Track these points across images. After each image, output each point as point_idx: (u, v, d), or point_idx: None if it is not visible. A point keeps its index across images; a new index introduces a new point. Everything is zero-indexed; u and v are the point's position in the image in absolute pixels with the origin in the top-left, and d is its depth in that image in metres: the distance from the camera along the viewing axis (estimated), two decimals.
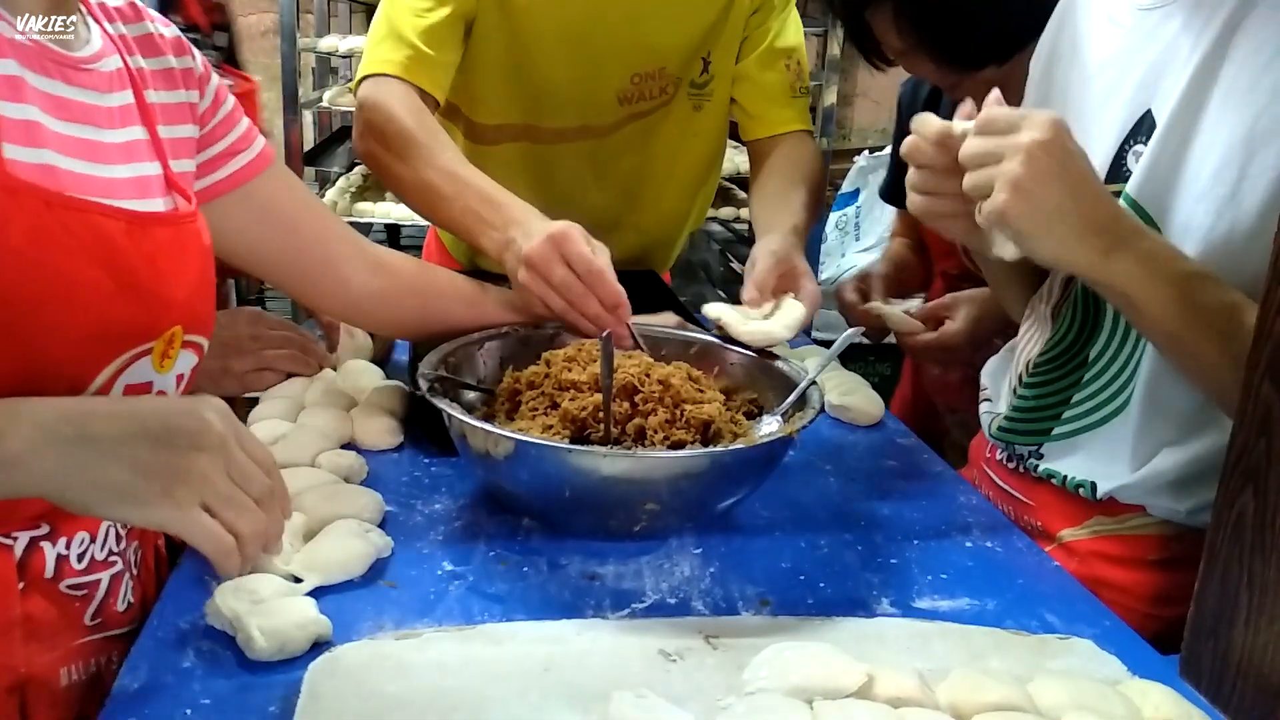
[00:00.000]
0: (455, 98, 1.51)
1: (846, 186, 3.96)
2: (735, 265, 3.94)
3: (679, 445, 0.98)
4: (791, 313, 1.21)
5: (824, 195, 1.56)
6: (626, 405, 1.01)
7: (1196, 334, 0.90)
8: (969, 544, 1.05)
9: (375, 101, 1.32)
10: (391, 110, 1.30)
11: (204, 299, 0.88)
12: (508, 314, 1.20)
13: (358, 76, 1.38)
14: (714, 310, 1.20)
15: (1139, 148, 0.99)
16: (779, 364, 1.16)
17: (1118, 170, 1.02)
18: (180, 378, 0.86)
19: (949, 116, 0.92)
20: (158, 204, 0.85)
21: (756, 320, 1.20)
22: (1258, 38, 0.92)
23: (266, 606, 0.79)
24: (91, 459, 0.66)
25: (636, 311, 1.16)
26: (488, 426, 0.96)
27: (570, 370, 1.06)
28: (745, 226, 3.83)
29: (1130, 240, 0.89)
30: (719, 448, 0.98)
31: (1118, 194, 0.99)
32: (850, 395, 1.35)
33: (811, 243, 3.51)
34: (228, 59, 1.30)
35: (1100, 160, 1.02)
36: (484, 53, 1.44)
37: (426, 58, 1.34)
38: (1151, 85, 0.99)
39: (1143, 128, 1.00)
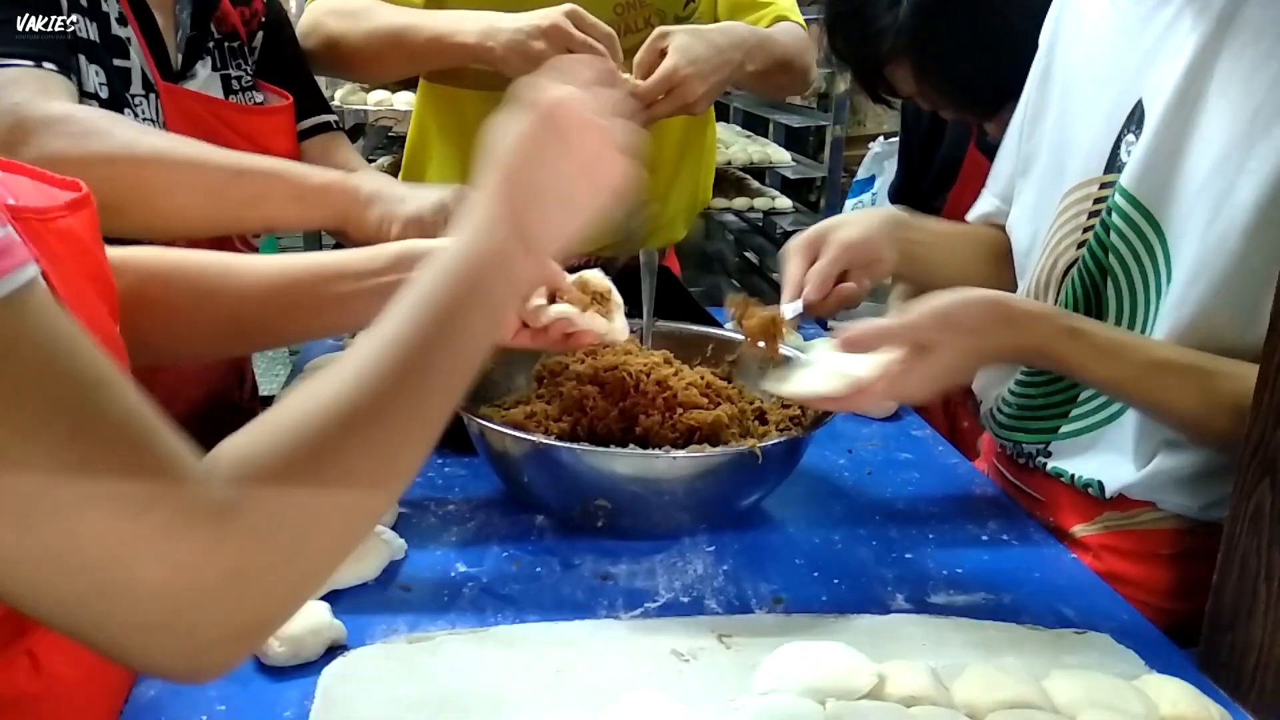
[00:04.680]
0: None
1: (862, 173, 3.93)
2: (750, 255, 3.93)
3: (684, 444, 0.99)
4: None
5: (784, 53, 1.47)
6: (639, 408, 1.01)
7: (1156, 386, 0.92)
8: (985, 537, 1.04)
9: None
10: None
11: None
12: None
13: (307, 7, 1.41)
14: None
15: (1130, 138, 0.98)
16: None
17: (1113, 162, 1.00)
18: None
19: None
20: None
21: None
22: (1255, 28, 0.90)
23: None
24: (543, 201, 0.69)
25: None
26: (503, 428, 0.96)
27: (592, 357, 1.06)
28: (759, 216, 3.82)
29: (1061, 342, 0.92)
30: (733, 447, 0.97)
31: (1111, 184, 0.98)
32: None
33: None
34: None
35: (1095, 151, 1.02)
36: None
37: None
38: (1143, 75, 0.98)
39: (1134, 118, 0.98)
